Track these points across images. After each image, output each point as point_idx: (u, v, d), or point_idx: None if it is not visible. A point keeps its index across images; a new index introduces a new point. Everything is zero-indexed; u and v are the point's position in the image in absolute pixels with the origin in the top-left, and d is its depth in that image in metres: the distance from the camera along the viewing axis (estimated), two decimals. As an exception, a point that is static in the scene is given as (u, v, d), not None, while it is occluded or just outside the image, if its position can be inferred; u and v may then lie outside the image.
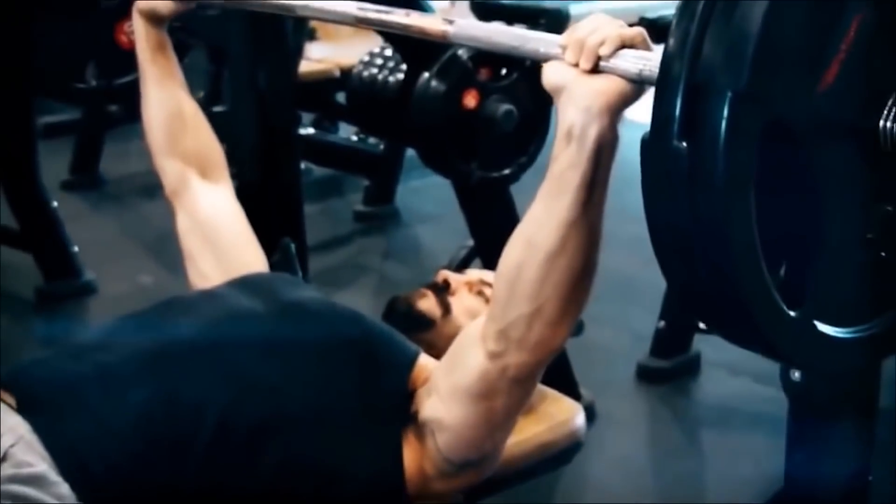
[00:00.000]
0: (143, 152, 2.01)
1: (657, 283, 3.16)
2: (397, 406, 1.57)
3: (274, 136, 2.59)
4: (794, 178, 1.17)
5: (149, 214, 4.14)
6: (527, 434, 1.83)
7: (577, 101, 1.23)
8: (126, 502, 1.42)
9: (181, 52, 2.05)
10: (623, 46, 1.22)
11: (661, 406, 3.04)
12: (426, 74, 2.62)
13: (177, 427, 1.46)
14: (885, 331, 1.23)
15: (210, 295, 1.73)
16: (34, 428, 1.41)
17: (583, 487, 2.66)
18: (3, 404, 1.44)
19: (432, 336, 1.80)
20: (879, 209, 1.20)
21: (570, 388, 2.51)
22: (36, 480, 1.35)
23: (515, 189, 2.90)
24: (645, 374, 3.08)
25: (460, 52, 2.62)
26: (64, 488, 1.37)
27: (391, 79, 2.86)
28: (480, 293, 1.85)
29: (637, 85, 1.22)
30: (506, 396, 1.45)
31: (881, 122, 1.15)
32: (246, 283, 1.76)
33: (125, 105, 3.48)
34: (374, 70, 2.92)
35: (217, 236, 1.88)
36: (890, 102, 1.15)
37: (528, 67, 2.70)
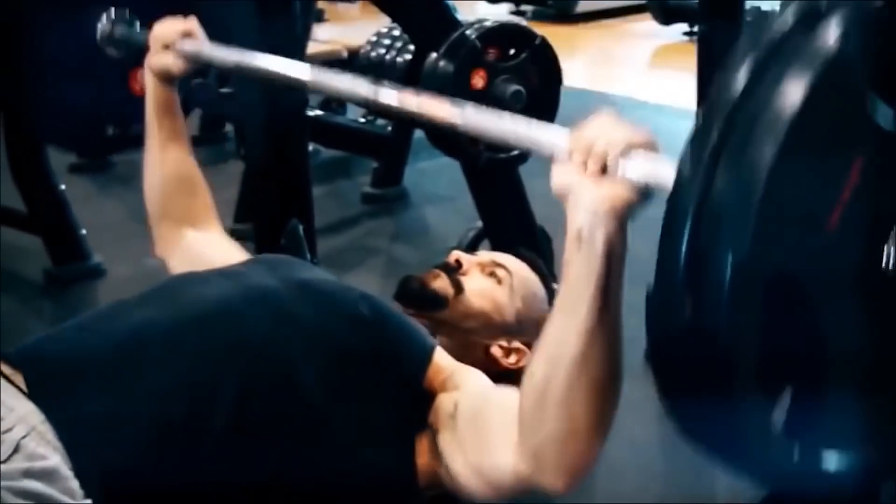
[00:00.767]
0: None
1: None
2: (412, 403, 1.57)
3: (282, 118, 2.58)
4: (797, 315, 1.14)
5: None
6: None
7: (584, 206, 1.22)
8: (140, 491, 1.41)
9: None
10: (630, 151, 1.20)
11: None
12: (434, 55, 2.61)
13: (192, 409, 1.45)
14: (878, 462, 1.20)
15: (225, 273, 1.73)
16: (47, 414, 1.40)
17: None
18: (14, 388, 1.44)
19: (444, 315, 1.80)
20: (882, 340, 1.17)
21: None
22: (48, 475, 1.35)
23: (523, 170, 2.89)
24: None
25: (468, 31, 2.61)
26: (74, 483, 1.36)
27: (399, 59, 2.86)
28: (492, 274, 1.84)
29: (643, 191, 1.20)
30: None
31: (886, 251, 1.12)
32: (260, 262, 1.77)
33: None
34: (382, 50, 2.91)
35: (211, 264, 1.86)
36: (893, 232, 1.12)
37: (536, 47, 2.69)
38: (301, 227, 2.54)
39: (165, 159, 1.99)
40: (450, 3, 2.80)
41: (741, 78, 1.07)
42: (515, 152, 2.73)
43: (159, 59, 1.99)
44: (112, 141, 2.93)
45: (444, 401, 1.57)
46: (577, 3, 8.67)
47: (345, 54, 4.41)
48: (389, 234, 4.26)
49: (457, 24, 2.64)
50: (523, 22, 2.93)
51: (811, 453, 1.16)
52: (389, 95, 1.65)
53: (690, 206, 1.08)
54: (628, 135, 1.20)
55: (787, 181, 1.05)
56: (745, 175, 1.05)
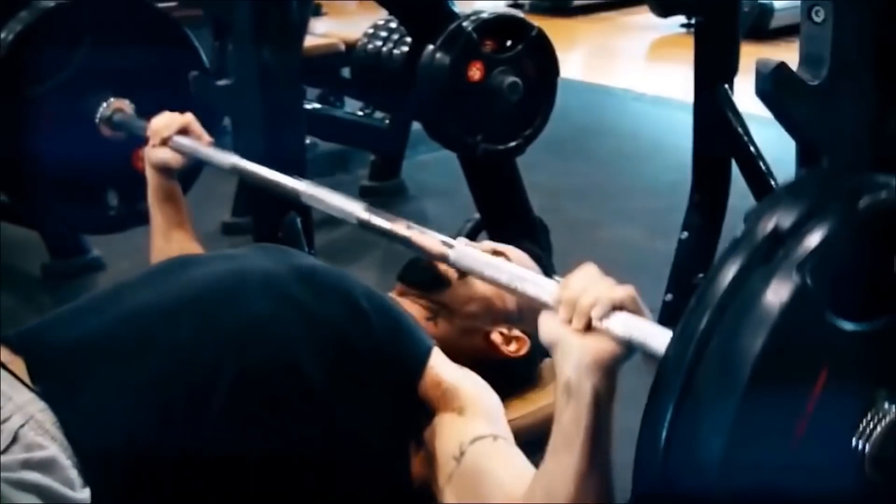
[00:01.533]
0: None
1: (664, 256, 3.16)
2: (409, 404, 1.57)
3: (279, 111, 2.58)
4: None
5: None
6: (535, 406, 1.83)
7: (570, 359, 1.26)
8: (140, 474, 1.41)
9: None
10: (614, 308, 1.24)
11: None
12: (431, 46, 2.60)
13: (191, 392, 1.45)
14: None
15: (225, 255, 1.74)
16: (48, 399, 1.40)
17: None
18: (11, 377, 1.43)
19: (446, 297, 1.80)
20: None
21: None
22: (46, 465, 1.34)
23: (521, 162, 2.89)
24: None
25: (465, 23, 2.60)
26: (73, 473, 1.36)
27: (396, 51, 2.85)
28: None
29: (628, 345, 1.24)
30: None
31: (855, 442, 1.15)
32: (260, 248, 1.78)
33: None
34: (379, 42, 2.90)
35: None
36: (864, 423, 1.15)
37: (533, 39, 2.69)
38: (299, 221, 2.54)
39: (170, 248, 2.01)
40: (446, -5, 2.79)
41: (728, 280, 1.12)
42: (513, 143, 2.73)
43: (157, 154, 2.04)
44: (118, 219, 2.99)
45: (446, 429, 1.55)
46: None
47: (342, 48, 4.40)
48: (387, 226, 4.26)
49: (453, 15, 2.64)
50: (520, 14, 2.92)
51: None
52: (383, 222, 1.66)
53: (674, 393, 1.11)
54: (612, 292, 1.25)
55: (765, 381, 1.09)
56: (729, 369, 1.09)
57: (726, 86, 2.95)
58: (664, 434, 1.12)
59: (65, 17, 2.90)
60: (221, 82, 2.74)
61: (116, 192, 2.93)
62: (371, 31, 2.98)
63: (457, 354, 1.66)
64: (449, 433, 1.54)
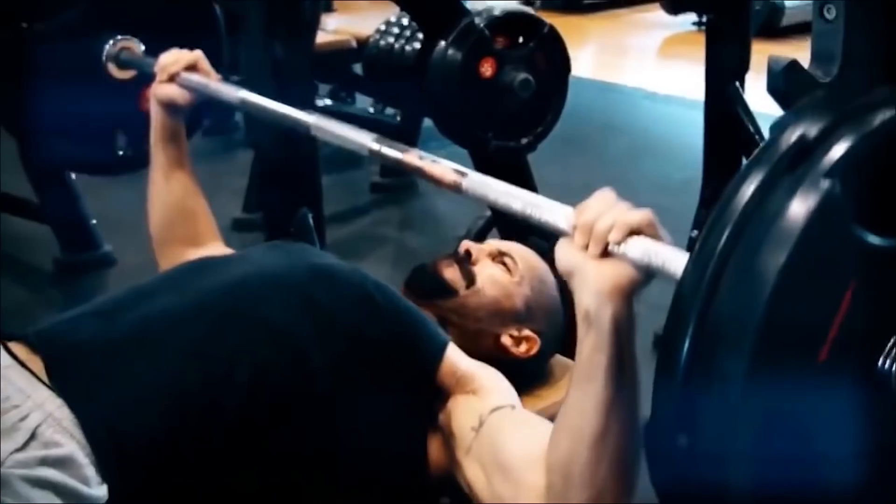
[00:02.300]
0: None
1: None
2: (425, 396, 1.58)
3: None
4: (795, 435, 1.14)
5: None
6: (547, 402, 1.83)
7: (588, 286, 1.22)
8: (156, 472, 1.42)
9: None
10: (631, 233, 1.20)
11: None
12: (443, 43, 2.60)
13: (207, 393, 1.46)
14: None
15: (240, 257, 1.75)
16: (65, 399, 1.41)
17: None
18: (29, 374, 1.44)
19: (454, 304, 1.80)
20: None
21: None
22: (64, 463, 1.35)
23: (532, 158, 2.89)
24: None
25: (477, 19, 2.61)
26: (90, 471, 1.37)
27: (408, 48, 2.86)
28: (503, 263, 1.85)
29: (646, 270, 1.20)
30: None
31: (882, 363, 1.12)
32: (275, 247, 1.78)
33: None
34: (391, 39, 2.91)
35: None
36: (889, 345, 1.12)
37: (545, 36, 2.69)
38: (310, 216, 2.55)
39: (170, 188, 2.01)
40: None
41: (751, 191, 1.09)
42: (524, 140, 2.73)
43: (164, 90, 2.00)
44: (125, 160, 2.96)
45: (462, 407, 1.56)
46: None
47: (353, 44, 4.41)
48: (398, 222, 4.27)
49: (465, 12, 2.64)
50: (532, 11, 2.92)
51: None
52: (394, 152, 1.64)
53: (692, 318, 1.09)
54: (629, 216, 1.20)
55: (788, 299, 1.05)
56: (749, 288, 1.06)
57: (737, 83, 2.95)
58: (682, 361, 1.08)
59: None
60: (234, 78, 2.75)
61: (125, 134, 2.91)
62: (383, 27, 2.98)
63: (467, 358, 1.67)
64: (465, 410, 1.54)
